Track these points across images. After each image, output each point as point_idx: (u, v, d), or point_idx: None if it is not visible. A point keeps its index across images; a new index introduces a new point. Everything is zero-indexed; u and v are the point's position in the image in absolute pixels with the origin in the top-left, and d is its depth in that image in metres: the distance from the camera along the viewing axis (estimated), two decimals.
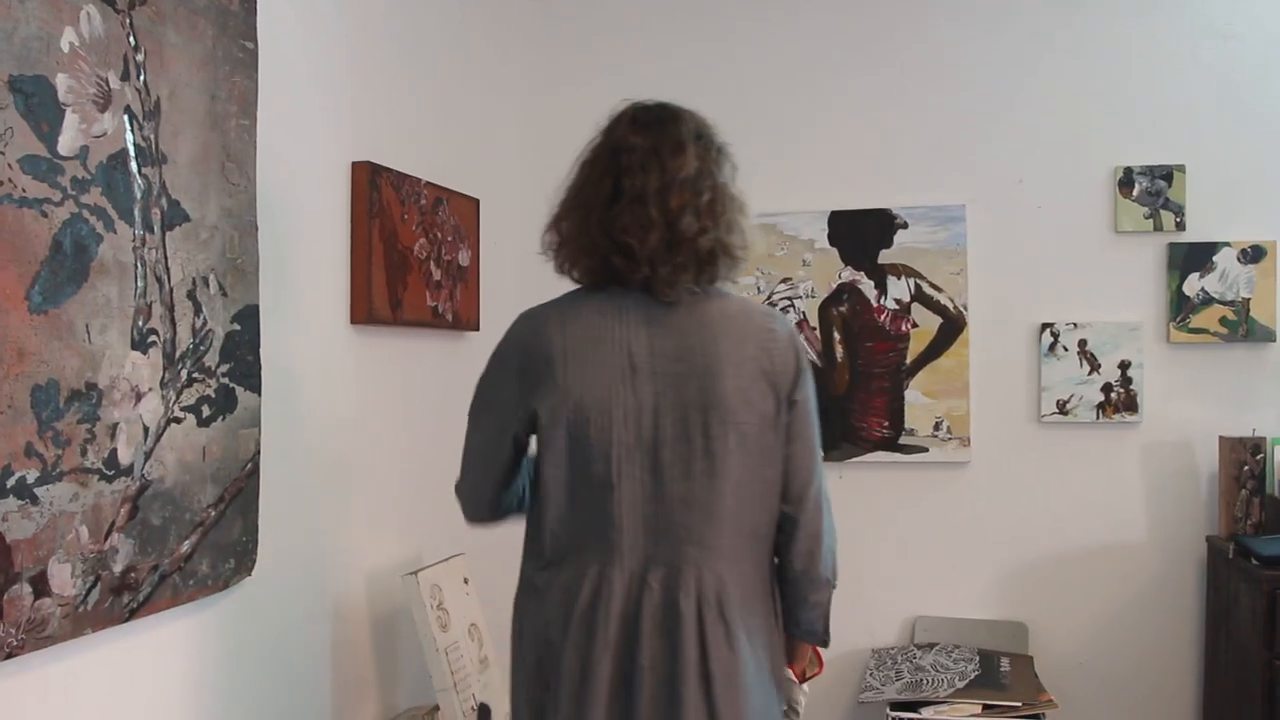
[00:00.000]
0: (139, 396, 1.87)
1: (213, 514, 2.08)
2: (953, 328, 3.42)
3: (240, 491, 2.18)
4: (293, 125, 2.46)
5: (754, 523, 1.73)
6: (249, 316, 2.22)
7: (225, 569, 2.14)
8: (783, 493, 1.73)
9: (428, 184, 3.03)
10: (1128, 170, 3.32)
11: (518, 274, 3.67)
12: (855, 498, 3.51)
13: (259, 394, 2.25)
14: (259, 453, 2.24)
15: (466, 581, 3.00)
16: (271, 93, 2.30)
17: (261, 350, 2.26)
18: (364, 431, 2.78)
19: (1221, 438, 3.14)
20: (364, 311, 2.73)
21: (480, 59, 3.49)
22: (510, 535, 3.51)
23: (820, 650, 1.94)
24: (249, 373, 2.22)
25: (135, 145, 1.86)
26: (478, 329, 3.36)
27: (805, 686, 1.97)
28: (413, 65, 3.06)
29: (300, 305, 2.51)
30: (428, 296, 3.05)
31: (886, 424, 3.47)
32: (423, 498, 3.05)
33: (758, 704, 1.69)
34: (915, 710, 3.00)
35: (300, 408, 2.49)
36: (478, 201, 3.37)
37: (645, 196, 1.65)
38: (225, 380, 2.14)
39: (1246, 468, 3.07)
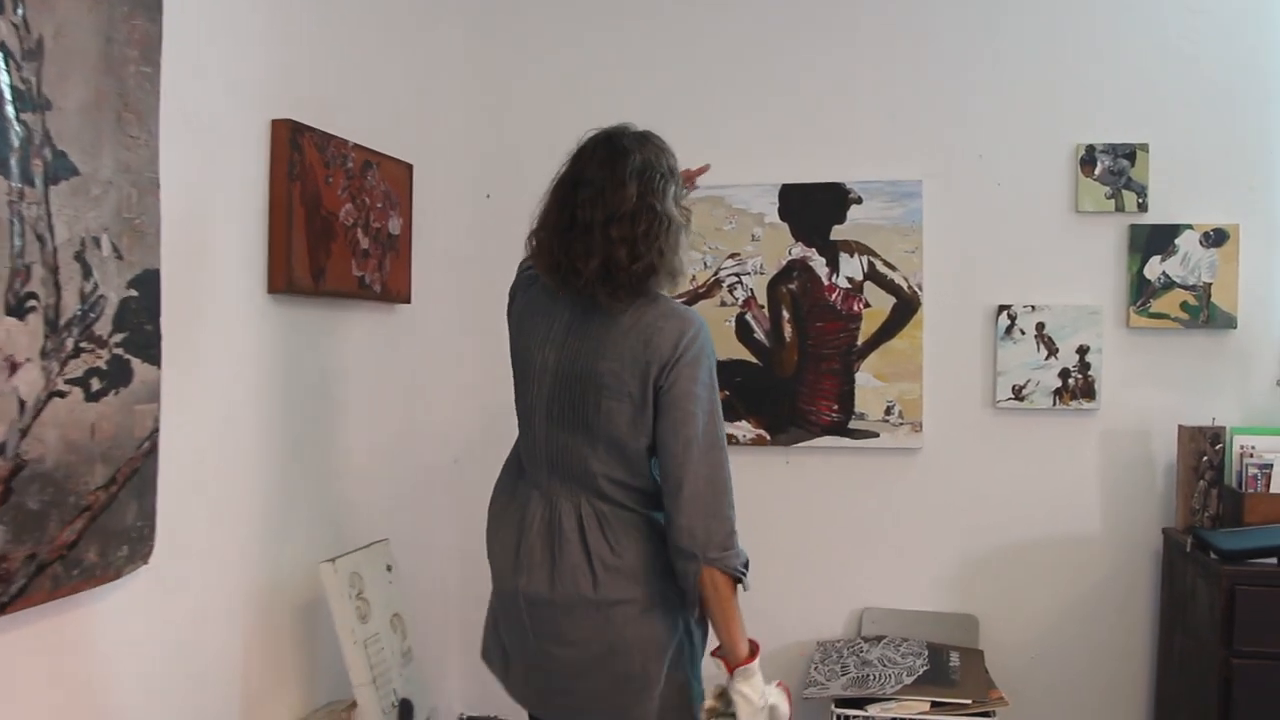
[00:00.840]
0: (14, 367, 1.71)
1: (102, 497, 1.93)
2: (906, 308, 3.34)
3: (135, 473, 2.03)
4: (205, 76, 2.30)
5: (625, 479, 2.03)
6: (148, 282, 2.06)
7: (117, 557, 1.99)
8: (661, 469, 1.99)
9: (356, 146, 2.88)
10: (1089, 148, 3.25)
11: (452, 244, 3.54)
12: (802, 484, 3.44)
13: (158, 366, 2.09)
14: (158, 430, 2.09)
15: (390, 569, 2.87)
16: (180, 39, 2.14)
17: (163, 319, 2.10)
18: (282, 408, 2.63)
19: (1181, 427, 3.09)
20: (283, 280, 2.58)
21: (417, 17, 3.33)
22: (435, 521, 3.45)
23: (737, 637, 1.98)
24: (147, 343, 2.06)
25: (11, 87, 1.70)
26: (409, 301, 3.22)
27: (744, 685, 1.97)
28: (343, 19, 2.90)
29: (211, 272, 2.36)
30: (354, 266, 2.91)
31: (836, 408, 3.38)
32: (345, 479, 2.92)
33: (631, 591, 2.00)
34: (861, 707, 2.91)
35: (210, 381, 2.34)
36: (410, 167, 3.22)
37: (592, 227, 1.96)
38: (119, 351, 1.98)
39: (1205, 458, 3.01)
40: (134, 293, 2.02)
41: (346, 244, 2.86)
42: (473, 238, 3.58)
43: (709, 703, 2.04)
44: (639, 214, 1.96)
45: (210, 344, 2.35)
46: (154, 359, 2.08)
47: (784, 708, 2.02)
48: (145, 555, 2.08)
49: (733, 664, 1.99)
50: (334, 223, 2.78)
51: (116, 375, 1.97)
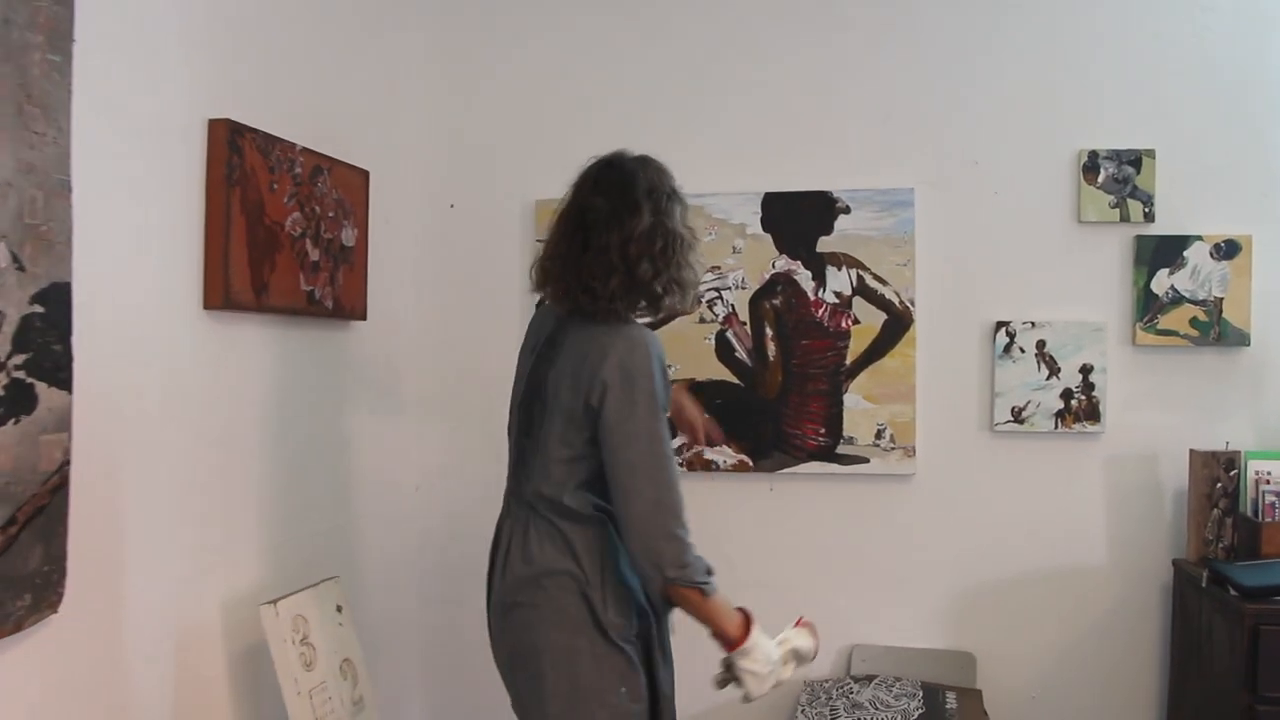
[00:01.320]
0: None
1: None
2: (898, 325, 3.17)
3: (40, 511, 1.81)
4: (130, 67, 2.11)
5: (571, 490, 2.09)
6: (57, 297, 1.85)
7: (17, 608, 1.77)
8: (610, 492, 2.05)
9: (305, 150, 2.69)
10: (1093, 154, 3.09)
11: (412, 257, 3.35)
12: (787, 513, 3.27)
13: (69, 391, 1.88)
14: (68, 463, 1.87)
15: (340, 610, 2.65)
16: (97, 24, 1.95)
17: (75, 338, 1.89)
18: (219, 434, 2.43)
19: (1192, 451, 2.92)
20: (219, 295, 2.38)
21: (376, 13, 3.14)
22: (394, 555, 3.25)
23: (725, 627, 2.06)
24: (56, 365, 1.85)
25: None
26: (364, 318, 3.03)
27: (745, 661, 2.06)
28: (292, 11, 2.70)
29: (136, 286, 2.16)
30: (302, 280, 2.71)
31: (823, 431, 3.20)
32: (291, 513, 2.72)
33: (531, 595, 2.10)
34: None
35: (132, 407, 2.13)
36: (367, 174, 3.03)
37: (608, 249, 2.05)
38: (20, 374, 1.76)
39: (1219, 485, 2.84)
40: (39, 308, 1.80)
41: (293, 256, 2.66)
42: (434, 250, 3.38)
43: (719, 673, 2.10)
44: (655, 233, 2.06)
45: (133, 366, 2.14)
46: (64, 383, 1.87)
47: (806, 644, 2.18)
48: (53, 604, 1.86)
49: (730, 647, 2.06)
50: (279, 233, 2.59)
51: (16, 402, 1.76)
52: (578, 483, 2.09)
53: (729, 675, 2.09)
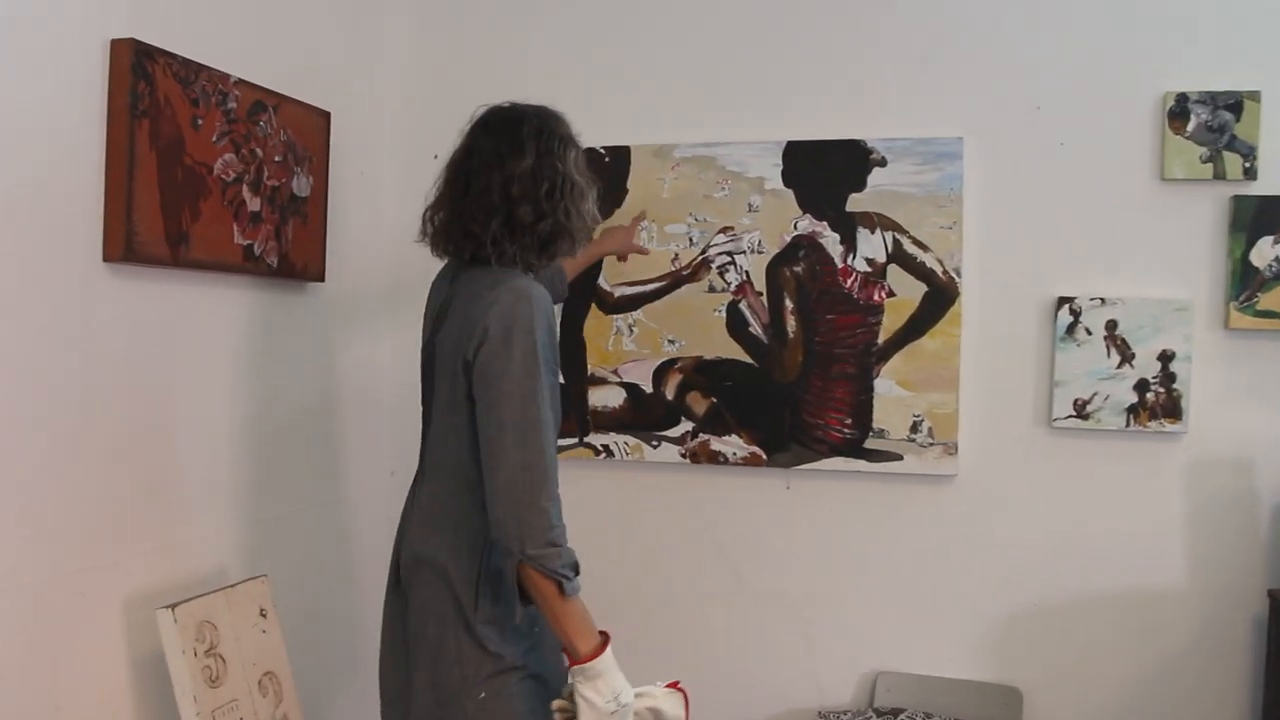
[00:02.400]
0: None
1: None
2: (941, 299, 2.75)
3: None
4: None
5: (453, 459, 2.00)
6: None
7: None
8: (480, 457, 1.93)
9: (241, 83, 2.38)
10: (1181, 97, 2.62)
11: (387, 212, 3.01)
12: (805, 516, 2.89)
13: None
14: None
15: (264, 614, 2.33)
16: None
17: None
18: (123, 406, 2.14)
19: None
20: (120, 245, 2.09)
21: None
22: (328, 551, 2.87)
23: (573, 637, 1.89)
24: None
25: None
26: (322, 279, 2.71)
27: (584, 686, 1.87)
28: None
29: (16, 233, 1.89)
30: (237, 232, 2.41)
31: (849, 422, 2.80)
32: (220, 500, 2.43)
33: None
34: None
35: (10, 373, 1.87)
36: (328, 116, 2.72)
37: (490, 190, 2.00)
38: None
39: None
40: None
41: (225, 204, 2.36)
42: (408, 205, 2.98)
43: (559, 702, 1.95)
44: (540, 173, 2.00)
45: (12, 325, 1.87)
46: None
47: (673, 712, 1.97)
48: None
49: (571, 662, 1.91)
50: (205, 176, 2.30)
51: None
52: (470, 450, 1.97)
53: (570, 707, 1.91)
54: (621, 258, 2.91)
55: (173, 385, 2.26)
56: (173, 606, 2.09)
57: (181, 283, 2.27)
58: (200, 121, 2.25)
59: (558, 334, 2.12)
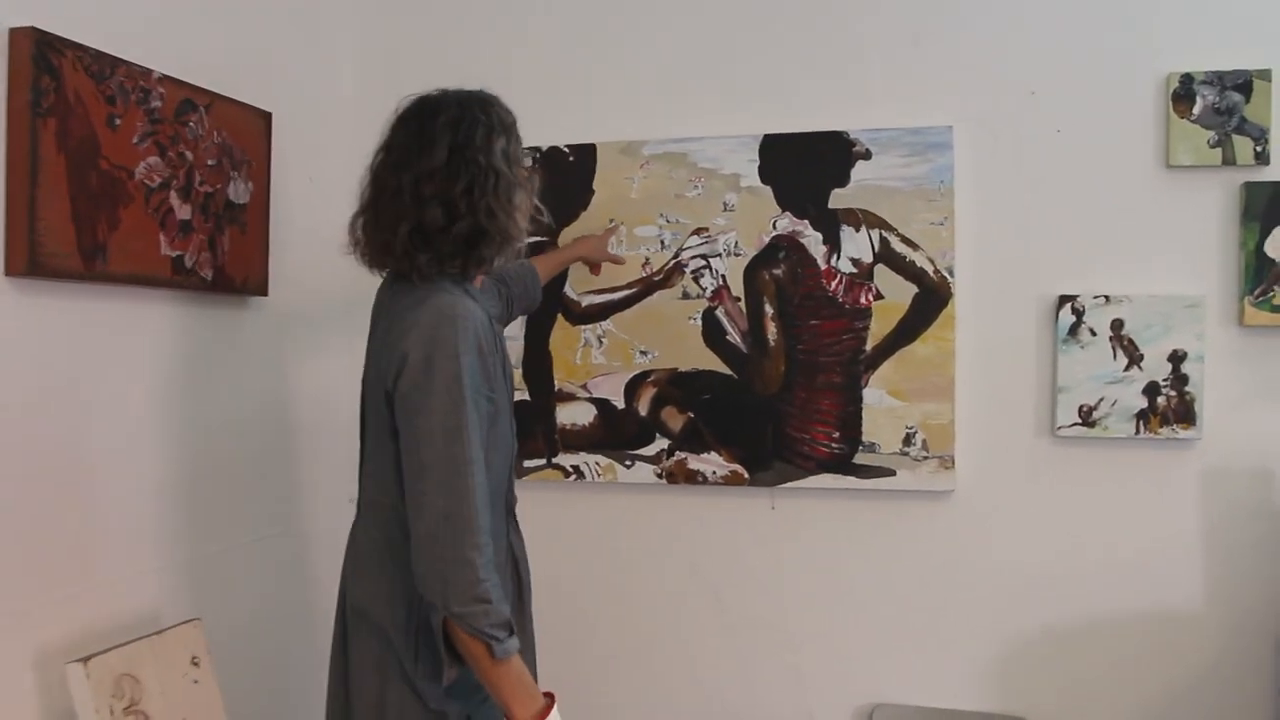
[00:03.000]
0: None
1: None
2: (933, 300, 2.57)
3: None
4: None
5: (385, 497, 1.86)
6: None
7: None
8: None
9: (166, 79, 2.18)
10: (1186, 78, 2.45)
11: (338, 222, 2.78)
12: (792, 537, 2.70)
13: None
14: None
15: (197, 663, 2.11)
16: None
17: None
18: (37, 438, 1.94)
19: None
20: (22, 258, 1.88)
21: None
22: (275, 589, 2.59)
23: (511, 704, 1.73)
24: None
25: None
26: (264, 292, 2.52)
27: None
28: None
29: None
30: (164, 242, 2.20)
31: (837, 436, 2.61)
32: (147, 537, 2.22)
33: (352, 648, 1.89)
34: None
35: None
36: (269, 117, 2.52)
37: (401, 190, 1.83)
38: None
39: None
40: None
41: (149, 212, 2.16)
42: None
43: None
44: (454, 168, 1.81)
45: None
46: None
47: None
48: None
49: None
50: (125, 181, 2.10)
51: None
52: (399, 488, 1.79)
53: None
54: (594, 268, 2.73)
55: (90, 411, 2.05)
56: (85, 659, 1.88)
57: (99, 298, 2.06)
58: (118, 121, 2.05)
59: (503, 352, 1.91)
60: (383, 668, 1.82)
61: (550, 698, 1.76)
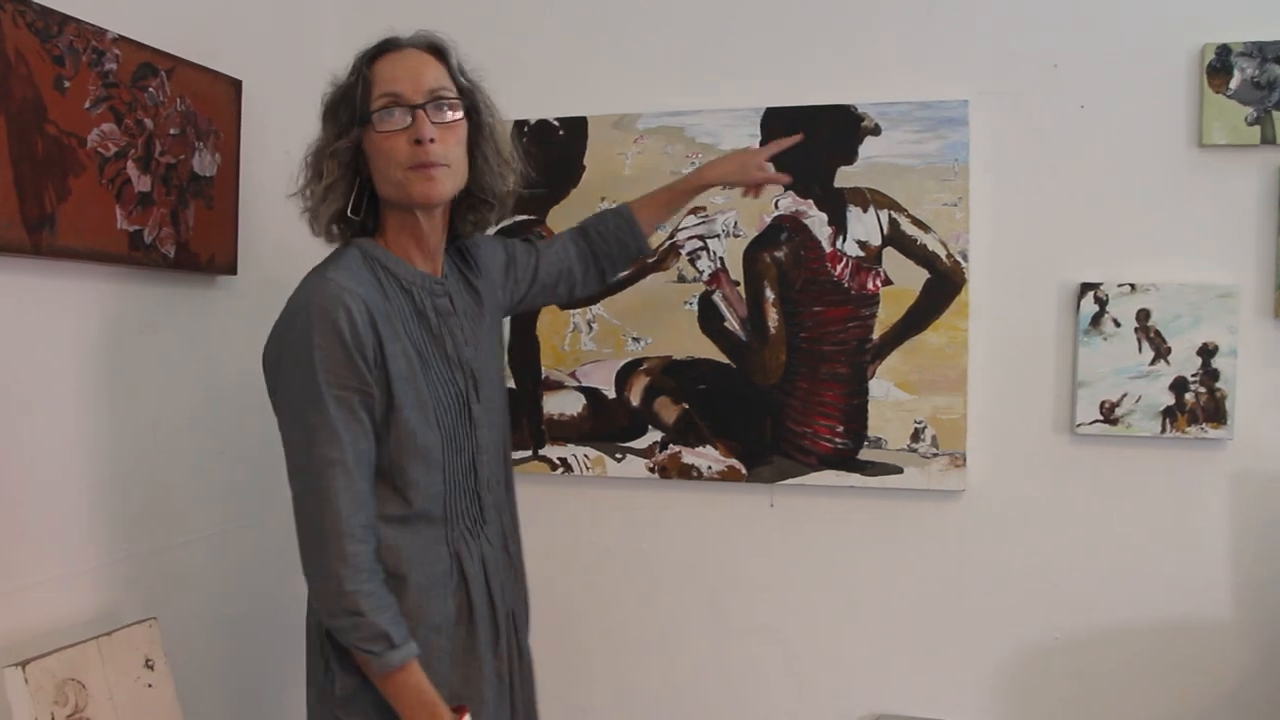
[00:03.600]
0: None
1: None
2: (945, 287, 2.41)
3: None
4: None
5: None
6: None
7: None
8: None
9: (121, 40, 2.04)
10: (1222, 50, 2.28)
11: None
12: (792, 537, 2.55)
13: None
14: None
15: (151, 666, 1.97)
16: None
17: None
18: None
19: None
20: None
21: None
22: (240, 584, 2.44)
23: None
24: None
25: None
26: (233, 271, 2.38)
27: None
28: None
29: None
30: (120, 216, 2.06)
31: (841, 430, 2.47)
32: (99, 531, 2.07)
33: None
34: None
35: None
36: (239, 85, 2.38)
37: None
38: None
39: None
40: None
41: (103, 182, 2.02)
42: None
43: None
44: (313, 151, 1.81)
45: None
46: None
47: None
48: None
49: None
50: (76, 149, 1.95)
51: None
52: None
53: None
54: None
55: (34, 396, 1.91)
56: (23, 664, 1.74)
57: (46, 274, 1.92)
58: (67, 84, 1.90)
59: (449, 334, 1.78)
60: (312, 676, 1.78)
61: (460, 711, 1.67)
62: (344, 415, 1.60)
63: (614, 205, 2.28)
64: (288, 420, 1.66)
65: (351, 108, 1.72)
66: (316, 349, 1.59)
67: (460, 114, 1.74)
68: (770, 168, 2.24)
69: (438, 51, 1.77)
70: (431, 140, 1.67)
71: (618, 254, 2.17)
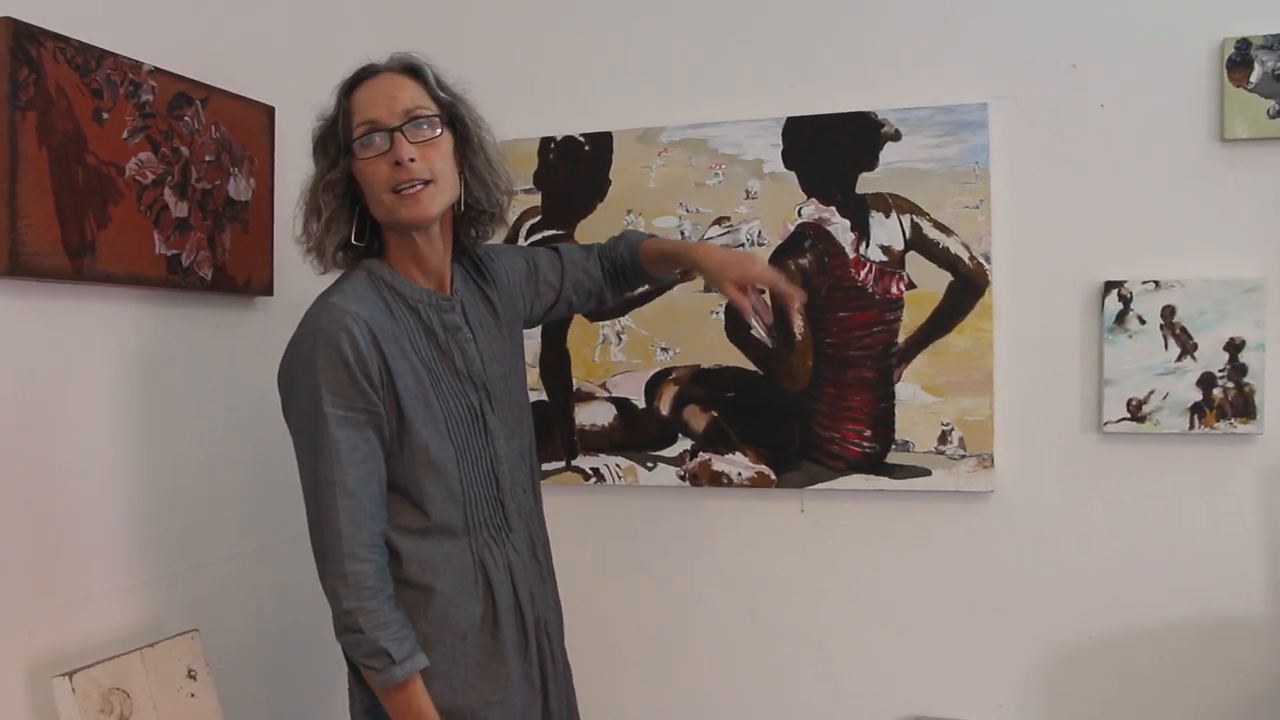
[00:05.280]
0: None
1: None
2: (968, 289, 2.41)
3: None
4: None
5: None
6: None
7: None
8: None
9: (157, 72, 2.10)
10: (1243, 44, 2.26)
11: None
12: (822, 542, 2.55)
13: None
14: None
15: (194, 676, 2.03)
16: None
17: None
18: (25, 445, 1.87)
19: None
20: (3, 257, 1.81)
21: None
22: (281, 598, 2.46)
23: None
24: None
25: None
26: (270, 292, 2.43)
27: None
28: None
29: None
30: (158, 241, 2.11)
31: (869, 434, 2.46)
32: (144, 546, 2.13)
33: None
34: None
35: None
36: (271, 111, 2.43)
37: None
38: None
39: None
40: None
41: (141, 209, 2.08)
42: None
43: None
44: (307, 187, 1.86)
45: None
46: None
47: None
48: None
49: None
50: (115, 178, 2.02)
51: None
52: None
53: None
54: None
55: (80, 416, 1.97)
56: (70, 674, 1.80)
57: (89, 299, 1.98)
58: (106, 115, 1.97)
59: (458, 348, 1.79)
60: (350, 687, 1.81)
61: None
62: (348, 436, 1.63)
63: (635, 227, 2.30)
64: (297, 442, 1.71)
65: (336, 139, 1.75)
66: (320, 372, 1.63)
67: (439, 130, 1.74)
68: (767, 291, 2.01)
69: (412, 71, 1.78)
70: (411, 160, 1.69)
71: (632, 278, 2.12)
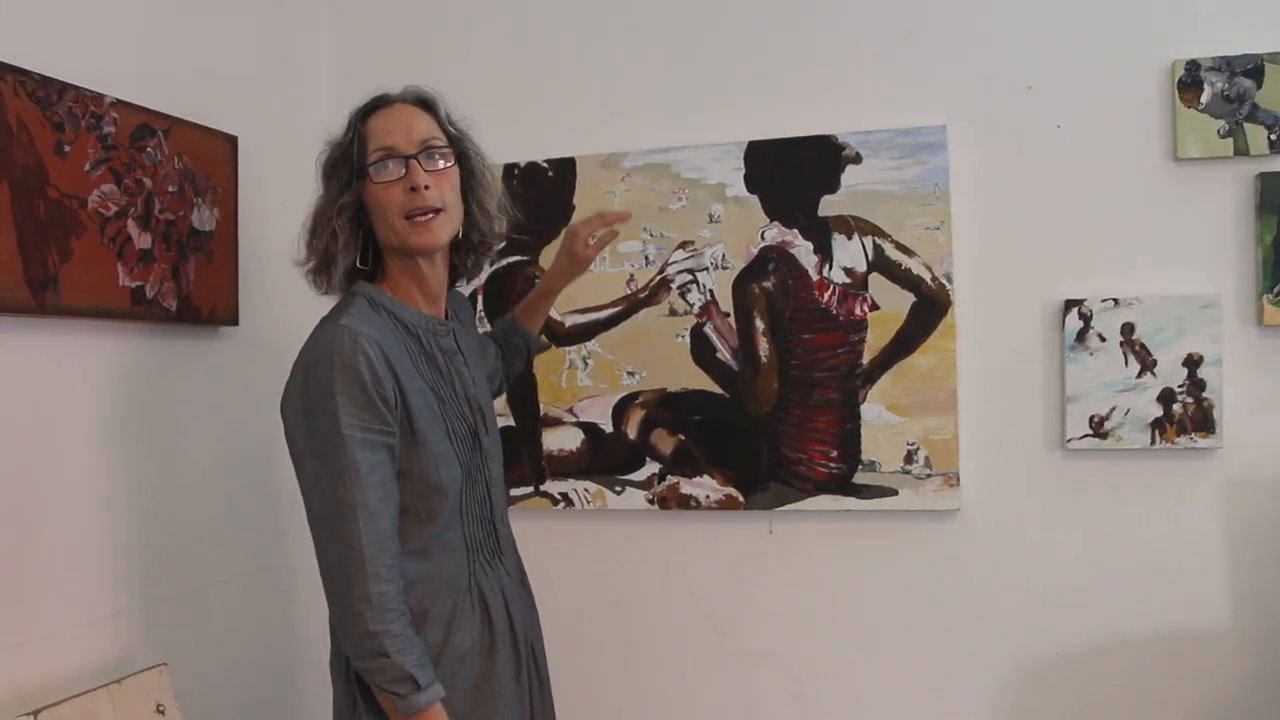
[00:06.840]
0: None
1: None
2: (931, 309, 2.44)
3: None
4: None
5: None
6: None
7: None
8: None
9: (119, 104, 2.10)
10: (1192, 65, 2.31)
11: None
12: (790, 563, 2.56)
13: None
14: None
15: (162, 711, 2.02)
16: None
17: None
18: None
19: None
20: None
21: None
22: (254, 628, 2.44)
23: None
24: None
25: None
26: (235, 322, 2.42)
27: None
28: None
29: None
30: (122, 273, 2.11)
31: (835, 455, 2.48)
32: (105, 579, 2.11)
33: None
34: None
35: None
36: (234, 141, 2.43)
37: None
38: None
39: None
40: None
41: (104, 241, 2.07)
42: None
43: None
44: (312, 212, 1.89)
45: None
46: None
47: None
48: None
49: None
50: (75, 211, 2.01)
51: None
52: None
53: None
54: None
55: (45, 449, 1.96)
56: (36, 712, 1.79)
57: (53, 333, 1.98)
58: (68, 148, 1.97)
59: (455, 371, 1.83)
60: (339, 715, 1.78)
61: None
62: (368, 457, 1.62)
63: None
64: (310, 467, 1.67)
65: (349, 163, 1.78)
66: (339, 394, 1.62)
67: (451, 162, 1.80)
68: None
69: (426, 104, 1.84)
70: (426, 187, 1.73)
71: (515, 355, 2.27)
